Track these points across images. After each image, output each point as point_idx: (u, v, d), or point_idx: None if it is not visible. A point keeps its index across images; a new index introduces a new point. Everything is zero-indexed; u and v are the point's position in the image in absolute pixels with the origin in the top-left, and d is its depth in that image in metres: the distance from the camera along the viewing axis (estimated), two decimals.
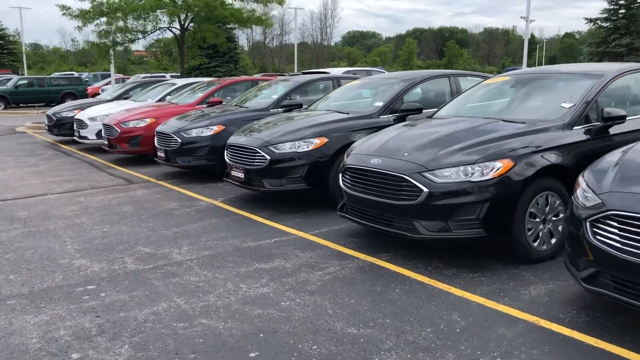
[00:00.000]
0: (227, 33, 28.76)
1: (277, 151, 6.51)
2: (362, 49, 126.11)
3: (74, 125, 13.15)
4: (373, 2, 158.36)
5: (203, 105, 11.04)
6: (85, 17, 19.80)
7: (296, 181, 6.48)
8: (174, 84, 13.57)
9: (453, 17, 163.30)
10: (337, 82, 9.83)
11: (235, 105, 9.69)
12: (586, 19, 42.25)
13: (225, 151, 7.33)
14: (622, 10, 40.91)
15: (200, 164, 8.66)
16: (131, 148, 10.63)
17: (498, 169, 4.36)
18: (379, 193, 4.74)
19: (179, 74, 38.79)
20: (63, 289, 4.40)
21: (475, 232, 4.38)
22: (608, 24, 41.28)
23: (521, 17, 30.57)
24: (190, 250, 5.31)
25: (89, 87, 32.54)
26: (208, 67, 41.83)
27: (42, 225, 6.40)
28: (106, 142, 11.00)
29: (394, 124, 6.87)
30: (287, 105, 9.03)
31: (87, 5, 20.02)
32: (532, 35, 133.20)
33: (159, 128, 9.38)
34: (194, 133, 8.67)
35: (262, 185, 6.64)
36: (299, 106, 8.98)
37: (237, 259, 4.99)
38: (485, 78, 8.23)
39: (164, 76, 33.82)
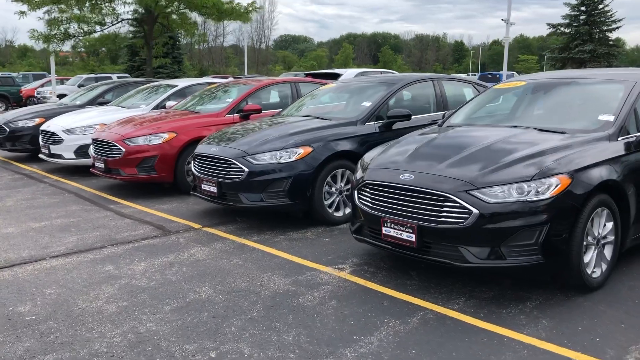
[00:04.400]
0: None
1: (491, 200, 3.86)
2: (294, 53, 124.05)
3: (40, 139, 9.88)
4: (301, 7, 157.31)
5: (234, 115, 8.18)
6: (31, 2, 16.18)
7: (528, 253, 3.84)
8: (173, 86, 10.51)
9: (379, 23, 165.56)
10: (438, 83, 7.24)
11: (303, 116, 6.90)
12: (548, 24, 41.87)
13: (365, 193, 4.56)
14: (583, 17, 40.70)
15: (278, 204, 5.83)
16: (142, 174, 7.59)
17: None
18: None
19: (127, 74, 34.95)
20: None
21: None
22: (570, 29, 40.96)
23: (502, 20, 29.11)
24: None
25: (22, 89, 28.36)
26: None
27: (78, 344, 3.45)
28: (101, 165, 7.88)
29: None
30: (393, 116, 6.38)
31: None
32: (462, 42, 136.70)
33: (202, 149, 6.44)
34: (268, 158, 5.84)
35: (462, 259, 3.95)
36: (405, 118, 6.36)
37: None
38: None
39: (110, 77, 30.17)
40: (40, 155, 9.95)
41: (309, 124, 6.37)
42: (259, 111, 8.18)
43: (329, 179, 5.99)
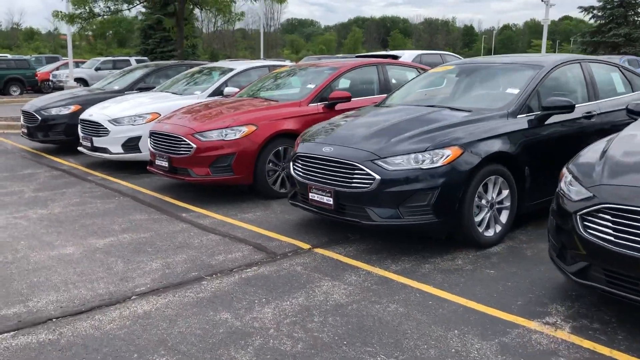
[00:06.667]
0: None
1: None
2: (301, 37, 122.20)
3: (80, 130, 8.56)
4: None
5: (318, 105, 6.85)
6: None
7: None
8: (229, 69, 9.15)
9: (385, 7, 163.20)
10: (586, 66, 5.86)
11: (426, 106, 5.52)
12: (580, 7, 39.95)
13: (601, 221, 3.21)
14: None
15: (420, 222, 4.48)
16: (216, 175, 6.27)
17: None
18: None
19: (145, 57, 33.57)
20: None
21: None
22: (603, 12, 39.15)
23: (542, 1, 27.43)
24: None
25: (37, 72, 26.99)
26: (163, 51, 36.75)
27: None
28: (164, 164, 6.56)
29: None
30: (550, 107, 5.02)
31: None
32: (471, 27, 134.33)
33: (309, 148, 5.09)
34: (405, 162, 4.50)
35: None
36: (567, 110, 5.01)
37: None
38: None
39: (128, 60, 28.80)
40: (79, 149, 8.64)
41: (445, 117, 5.01)
42: (348, 99, 6.86)
43: (480, 188, 4.66)
